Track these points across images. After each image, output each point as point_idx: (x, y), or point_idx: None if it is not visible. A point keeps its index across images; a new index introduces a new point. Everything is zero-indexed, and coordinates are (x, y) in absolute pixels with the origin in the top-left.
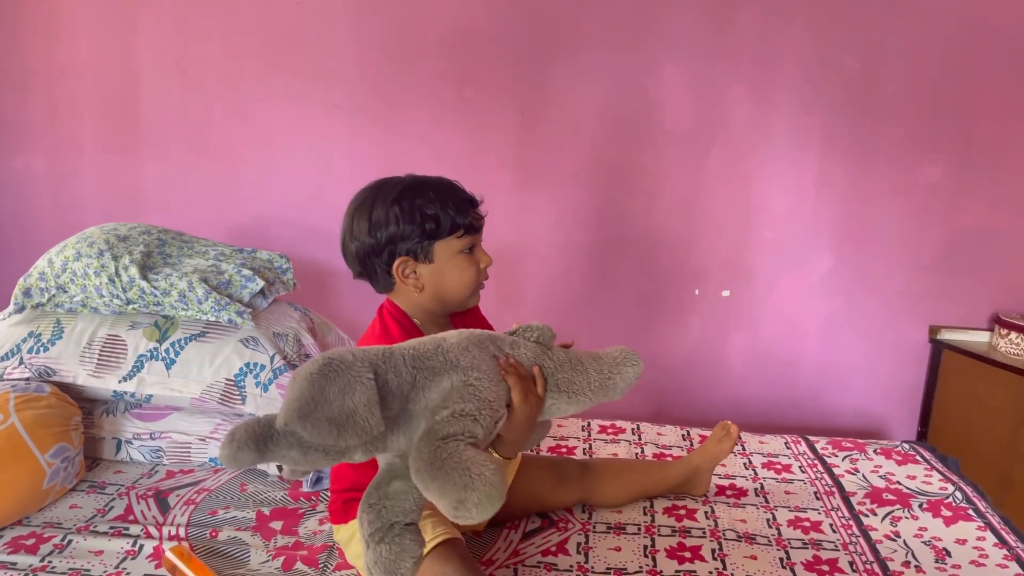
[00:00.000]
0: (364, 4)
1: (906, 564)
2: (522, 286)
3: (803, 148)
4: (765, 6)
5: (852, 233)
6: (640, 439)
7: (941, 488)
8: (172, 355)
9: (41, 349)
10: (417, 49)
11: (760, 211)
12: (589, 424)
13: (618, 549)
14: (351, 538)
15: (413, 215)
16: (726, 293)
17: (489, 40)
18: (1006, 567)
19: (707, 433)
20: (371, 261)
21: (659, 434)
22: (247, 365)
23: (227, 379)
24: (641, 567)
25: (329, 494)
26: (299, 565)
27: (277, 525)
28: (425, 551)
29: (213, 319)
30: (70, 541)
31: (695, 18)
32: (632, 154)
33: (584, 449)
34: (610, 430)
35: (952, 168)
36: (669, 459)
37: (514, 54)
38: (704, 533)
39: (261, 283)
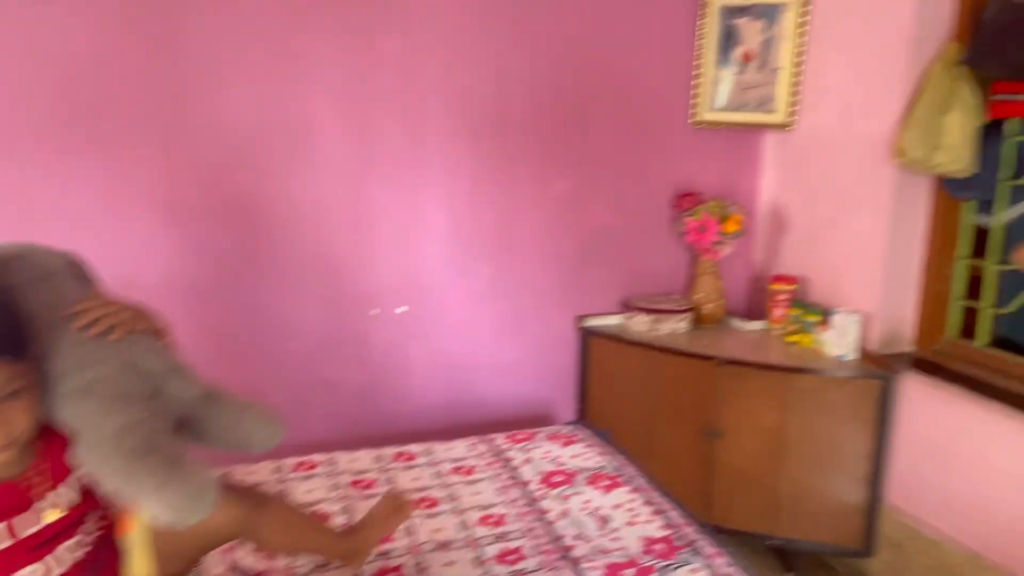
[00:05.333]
0: None
1: (577, 537)
2: (178, 329)
3: (455, 169)
4: (405, 37)
5: (505, 243)
6: (335, 469)
7: (598, 461)
8: None
9: None
10: (36, 86)
11: (425, 229)
12: (279, 466)
13: None
14: None
15: None
16: (402, 309)
17: (120, 75)
18: (652, 521)
19: (400, 450)
20: None
21: (352, 460)
22: None
23: None
24: None
25: None
26: None
27: None
28: None
29: None
30: None
31: (340, 46)
32: (290, 182)
33: (279, 491)
34: (304, 466)
35: (578, 178)
36: (350, 519)
37: (149, 87)
38: (405, 550)
39: None
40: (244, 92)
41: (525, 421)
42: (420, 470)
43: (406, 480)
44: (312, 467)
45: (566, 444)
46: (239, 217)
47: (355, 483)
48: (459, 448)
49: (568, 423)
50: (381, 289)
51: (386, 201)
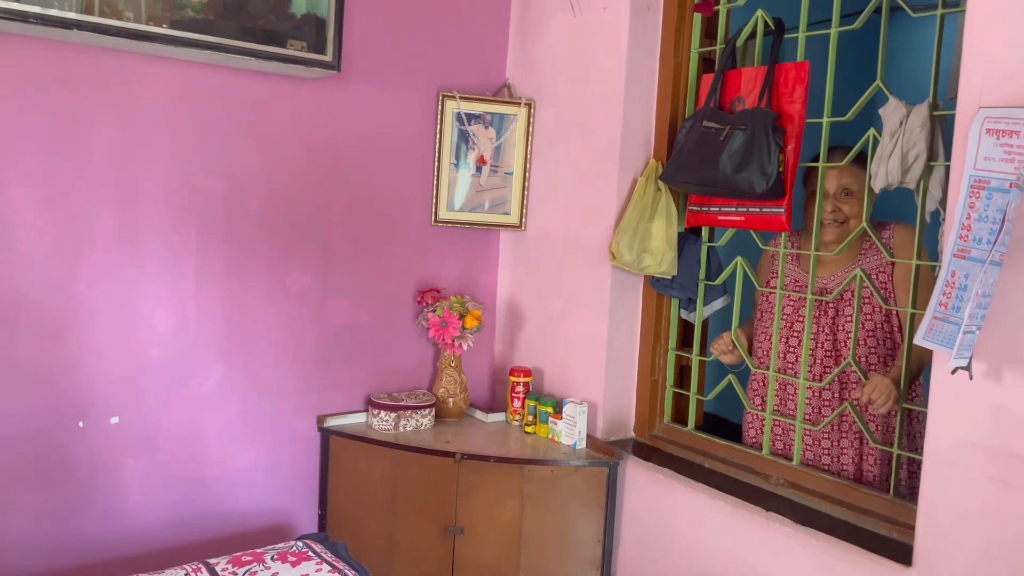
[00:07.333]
0: None
1: None
2: None
3: (179, 265)
4: (124, 128)
5: (237, 341)
6: None
7: None
8: None
9: None
10: None
11: (142, 330)
12: None
13: None
14: None
15: None
16: (115, 420)
17: None
18: None
19: None
20: None
21: None
22: None
23: None
24: None
25: None
26: None
27: None
28: None
29: None
30: None
31: (43, 137)
32: None
33: None
34: None
35: (317, 275)
36: None
37: None
38: None
39: None
40: None
41: (262, 534)
42: None
43: None
44: None
45: (296, 564)
46: None
47: None
48: None
49: (301, 537)
50: (92, 398)
51: (98, 300)
